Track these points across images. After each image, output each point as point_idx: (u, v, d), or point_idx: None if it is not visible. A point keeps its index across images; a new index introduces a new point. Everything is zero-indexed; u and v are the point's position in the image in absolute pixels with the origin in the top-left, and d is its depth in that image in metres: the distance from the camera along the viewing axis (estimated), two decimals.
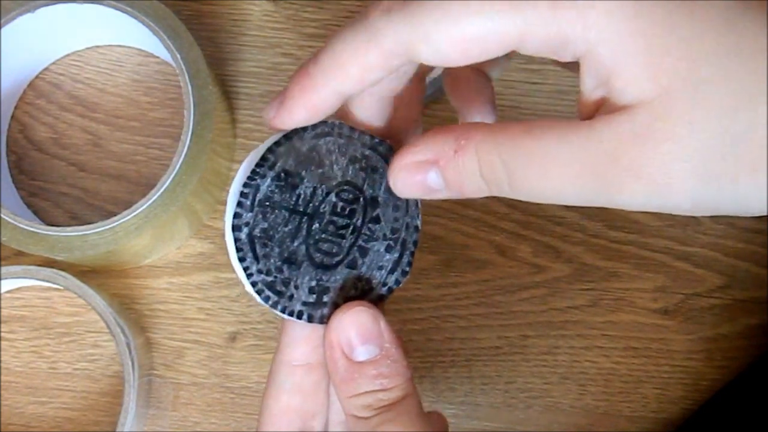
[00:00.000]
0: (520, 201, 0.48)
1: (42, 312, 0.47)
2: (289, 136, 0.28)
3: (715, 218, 0.48)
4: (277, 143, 0.28)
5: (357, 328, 0.27)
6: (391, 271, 0.29)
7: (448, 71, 0.32)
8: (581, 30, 0.23)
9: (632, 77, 0.23)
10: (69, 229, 0.42)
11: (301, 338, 0.29)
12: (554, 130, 0.24)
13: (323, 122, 0.28)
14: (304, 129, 0.28)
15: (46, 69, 0.49)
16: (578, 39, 0.23)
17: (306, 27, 0.49)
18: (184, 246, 0.48)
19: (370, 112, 0.29)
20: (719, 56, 0.23)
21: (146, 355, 0.46)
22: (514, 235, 0.48)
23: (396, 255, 0.29)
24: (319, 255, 0.28)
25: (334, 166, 0.28)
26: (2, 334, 0.47)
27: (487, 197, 0.49)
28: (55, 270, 0.44)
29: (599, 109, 0.25)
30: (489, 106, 0.32)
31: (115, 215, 0.42)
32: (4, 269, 0.44)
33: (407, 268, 0.29)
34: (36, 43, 0.46)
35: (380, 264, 0.29)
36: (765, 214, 0.24)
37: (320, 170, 0.28)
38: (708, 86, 0.23)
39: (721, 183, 0.23)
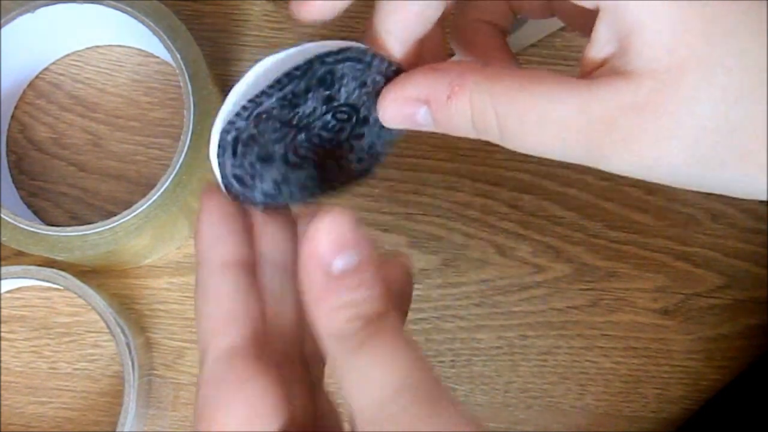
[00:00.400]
0: (521, 201, 0.48)
1: (42, 312, 0.47)
2: (311, 61, 0.26)
3: (715, 218, 0.48)
4: (296, 68, 0.26)
5: (333, 235, 0.24)
6: (356, 178, 0.29)
7: (458, 26, 0.31)
8: None
9: (651, 42, 0.23)
10: (69, 229, 0.42)
11: (225, 232, 0.26)
12: (552, 87, 0.24)
13: (348, 48, 0.27)
14: (328, 54, 0.26)
15: (46, 69, 0.49)
16: None
17: (306, 27, 0.49)
18: (184, 246, 0.48)
19: (397, 49, 0.28)
20: (736, 41, 0.23)
21: (146, 355, 0.46)
22: (514, 235, 0.48)
23: (365, 165, 0.29)
24: (293, 157, 0.28)
25: (342, 90, 0.27)
26: (2, 334, 0.47)
27: (487, 199, 0.49)
28: (55, 270, 0.44)
29: (601, 68, 0.24)
30: (503, 53, 0.31)
31: (115, 215, 0.42)
32: (4, 269, 0.44)
33: (371, 176, 0.29)
34: (36, 43, 0.46)
35: (348, 171, 0.29)
36: (748, 198, 0.24)
37: (327, 92, 0.27)
38: (718, 70, 0.23)
39: (708, 166, 0.24)
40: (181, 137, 0.42)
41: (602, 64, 0.24)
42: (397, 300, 0.28)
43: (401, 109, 0.26)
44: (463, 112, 0.25)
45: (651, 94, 0.23)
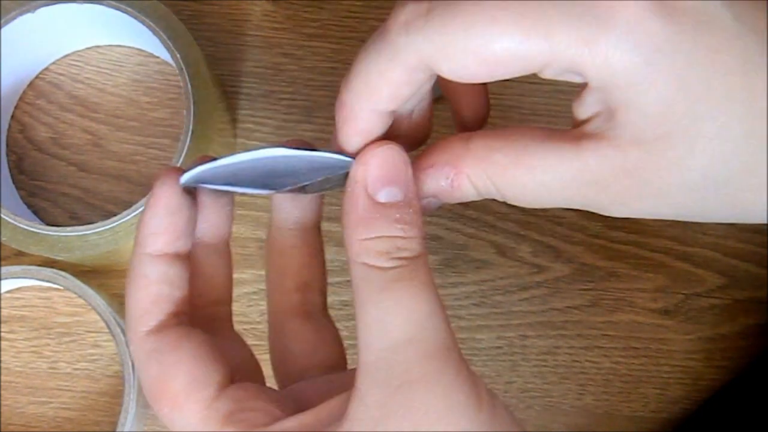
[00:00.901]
0: None
1: (42, 312, 0.47)
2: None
3: None
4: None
5: (385, 166, 0.25)
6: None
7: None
8: (604, 61, 0.23)
9: (637, 119, 0.24)
10: (69, 229, 0.42)
11: (162, 228, 0.27)
12: (542, 156, 0.25)
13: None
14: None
15: (46, 69, 0.49)
16: (599, 67, 0.23)
17: (306, 27, 0.49)
18: None
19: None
20: (724, 109, 0.23)
21: None
22: (514, 235, 0.48)
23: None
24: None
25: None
26: (2, 334, 0.47)
27: (486, 198, 0.49)
28: (55, 270, 0.44)
29: (588, 123, 0.25)
30: (481, 99, 0.32)
31: (115, 215, 0.42)
32: (4, 269, 0.44)
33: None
34: (36, 43, 0.46)
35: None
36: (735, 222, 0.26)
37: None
38: (703, 140, 0.24)
39: (701, 214, 0.25)
40: (181, 137, 0.42)
41: (587, 121, 0.25)
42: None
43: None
44: (468, 191, 0.27)
45: (639, 162, 0.24)
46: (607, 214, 0.26)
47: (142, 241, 0.28)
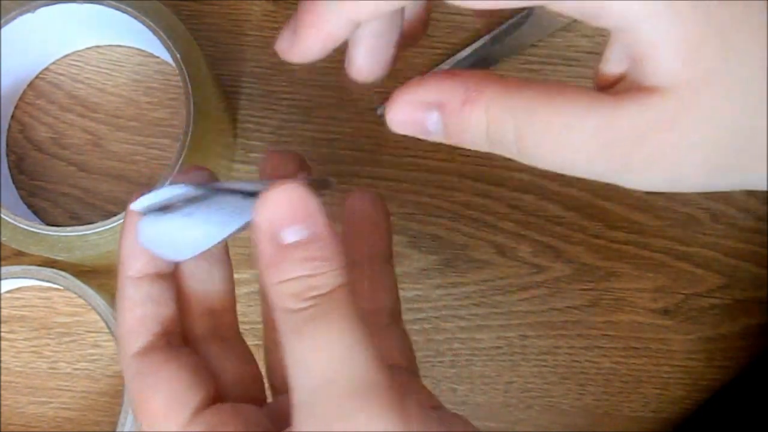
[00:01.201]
0: (521, 201, 0.48)
1: (42, 312, 0.47)
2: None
3: (715, 218, 0.48)
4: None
5: (285, 207, 0.24)
6: None
7: None
8: (622, 3, 0.22)
9: (666, 63, 0.23)
10: (69, 229, 0.42)
11: (139, 250, 0.27)
12: (577, 102, 0.23)
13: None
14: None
15: (46, 69, 0.49)
16: (617, 10, 0.22)
17: None
18: None
19: (370, 60, 0.28)
20: (751, 52, 0.23)
21: None
22: (514, 235, 0.48)
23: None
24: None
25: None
26: (2, 334, 0.47)
27: (487, 199, 0.49)
28: (55, 270, 0.44)
29: (619, 82, 0.24)
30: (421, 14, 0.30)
31: (115, 215, 0.42)
32: (4, 269, 0.44)
33: None
34: (36, 43, 0.46)
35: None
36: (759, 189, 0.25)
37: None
38: (737, 82, 0.23)
39: (729, 173, 0.24)
40: (181, 137, 0.42)
41: (619, 79, 0.24)
42: (371, 232, 0.30)
43: (411, 113, 0.26)
44: (478, 122, 0.24)
45: (674, 110, 0.23)
46: (627, 184, 0.24)
47: (122, 264, 0.28)
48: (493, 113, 0.24)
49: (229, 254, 0.30)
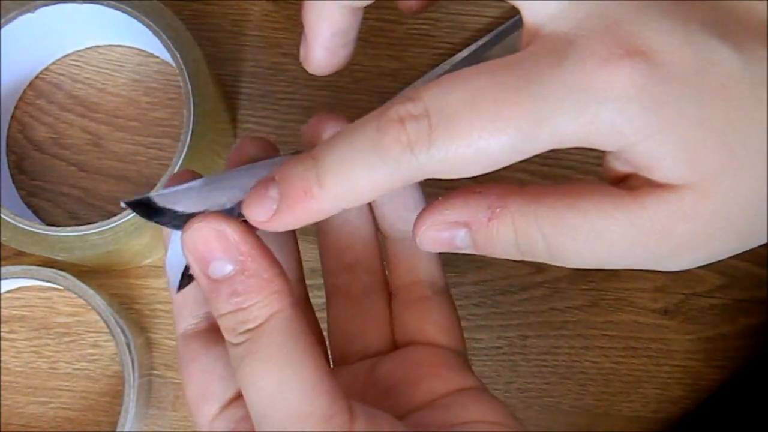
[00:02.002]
0: None
1: (42, 312, 0.47)
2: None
3: None
4: None
5: (201, 243, 0.24)
6: None
7: None
8: (612, 129, 0.23)
9: (671, 171, 0.23)
10: (69, 229, 0.42)
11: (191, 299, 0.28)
12: (599, 204, 0.24)
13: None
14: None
15: (46, 69, 0.49)
16: (610, 136, 0.23)
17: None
18: None
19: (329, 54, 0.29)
20: (751, 136, 0.23)
21: (146, 355, 0.46)
22: None
23: None
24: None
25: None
26: (2, 334, 0.47)
27: None
28: (55, 270, 0.44)
29: (632, 179, 0.25)
30: None
31: (115, 215, 0.42)
32: (4, 269, 0.44)
33: None
34: (36, 43, 0.46)
35: None
36: None
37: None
38: (745, 165, 0.23)
39: (755, 238, 0.25)
40: (181, 137, 0.42)
41: (630, 175, 0.25)
42: None
43: (439, 234, 0.26)
44: (506, 235, 0.25)
45: (695, 203, 0.23)
46: (666, 268, 0.26)
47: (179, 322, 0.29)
48: (519, 226, 0.25)
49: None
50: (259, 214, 0.25)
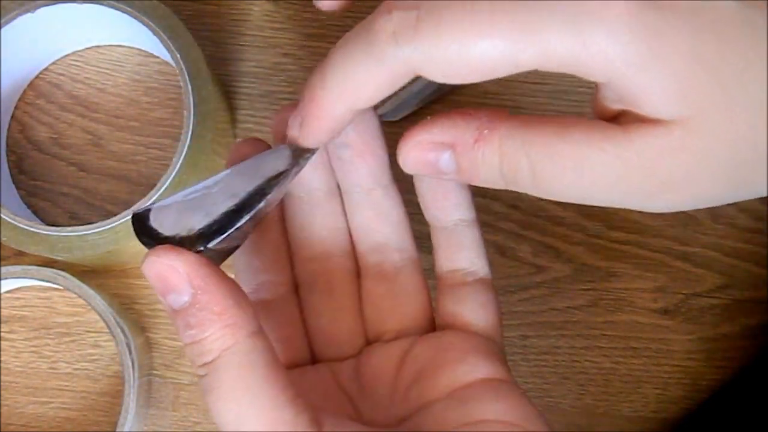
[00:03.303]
0: (521, 201, 0.48)
1: (42, 312, 0.47)
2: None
3: (715, 218, 0.48)
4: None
5: (155, 278, 0.25)
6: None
7: None
8: (604, 56, 0.23)
9: (661, 105, 0.23)
10: (69, 229, 0.42)
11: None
12: (590, 135, 0.24)
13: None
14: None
15: (46, 69, 0.49)
16: (601, 64, 0.23)
17: (306, 27, 0.49)
18: None
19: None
20: (745, 76, 0.23)
21: (146, 355, 0.46)
22: (514, 235, 0.48)
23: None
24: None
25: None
26: (2, 334, 0.47)
27: (487, 199, 0.49)
28: (55, 270, 0.44)
29: (623, 115, 0.24)
30: None
31: (115, 215, 0.42)
32: (4, 269, 0.44)
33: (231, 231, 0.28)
34: (36, 43, 0.46)
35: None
36: None
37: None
38: (737, 104, 0.23)
39: (743, 186, 0.24)
40: (181, 137, 0.42)
41: (620, 113, 0.24)
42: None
43: (424, 154, 0.26)
44: (491, 159, 0.25)
45: (683, 138, 0.23)
46: (644, 209, 0.25)
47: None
48: (505, 150, 0.24)
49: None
50: (293, 130, 0.26)
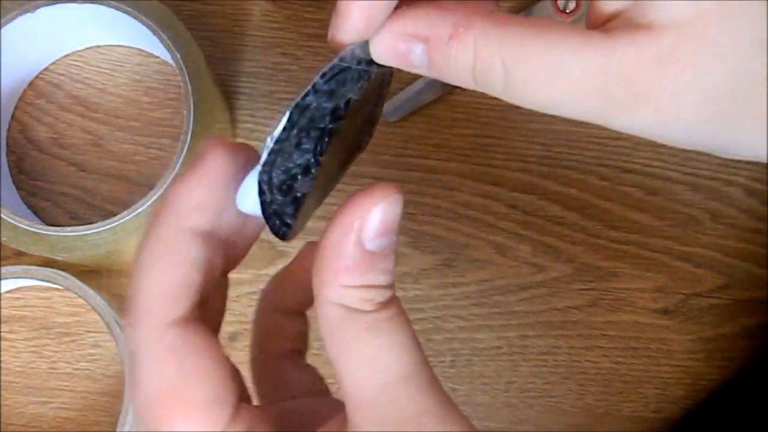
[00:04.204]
0: (521, 201, 0.48)
1: (42, 312, 0.47)
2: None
3: (715, 218, 0.48)
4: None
5: (388, 218, 0.23)
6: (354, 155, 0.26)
7: None
8: None
9: (668, 4, 0.22)
10: (69, 229, 0.42)
11: (210, 199, 0.23)
12: (568, 38, 0.22)
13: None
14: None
15: (46, 69, 0.49)
16: None
17: (306, 27, 0.49)
18: None
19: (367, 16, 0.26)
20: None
21: None
22: (514, 235, 0.48)
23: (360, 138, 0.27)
24: (314, 166, 0.25)
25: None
26: (2, 334, 0.47)
27: (487, 199, 0.49)
28: (55, 270, 0.44)
29: (613, 20, 0.23)
30: None
31: (115, 215, 0.42)
32: (4, 269, 0.44)
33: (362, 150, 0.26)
34: (36, 43, 0.46)
35: (350, 149, 0.26)
36: (753, 159, 0.24)
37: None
38: (742, 20, 0.22)
39: (725, 122, 0.23)
40: (181, 137, 0.42)
41: (614, 16, 0.23)
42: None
43: (395, 44, 0.24)
44: (465, 57, 0.23)
45: (673, 47, 0.22)
46: (618, 127, 0.23)
47: (183, 214, 0.23)
48: (480, 49, 0.23)
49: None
50: (331, 32, 0.25)
